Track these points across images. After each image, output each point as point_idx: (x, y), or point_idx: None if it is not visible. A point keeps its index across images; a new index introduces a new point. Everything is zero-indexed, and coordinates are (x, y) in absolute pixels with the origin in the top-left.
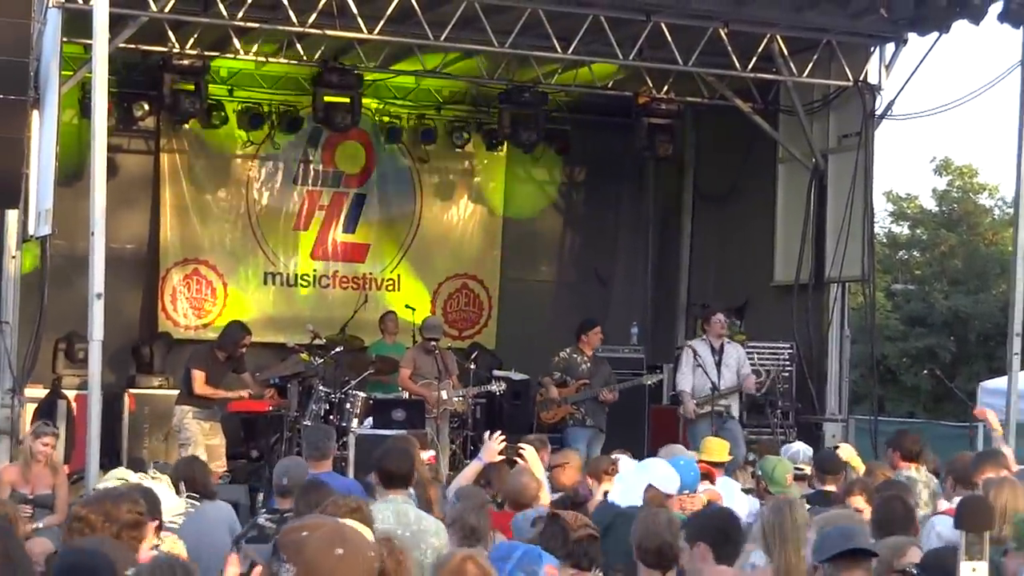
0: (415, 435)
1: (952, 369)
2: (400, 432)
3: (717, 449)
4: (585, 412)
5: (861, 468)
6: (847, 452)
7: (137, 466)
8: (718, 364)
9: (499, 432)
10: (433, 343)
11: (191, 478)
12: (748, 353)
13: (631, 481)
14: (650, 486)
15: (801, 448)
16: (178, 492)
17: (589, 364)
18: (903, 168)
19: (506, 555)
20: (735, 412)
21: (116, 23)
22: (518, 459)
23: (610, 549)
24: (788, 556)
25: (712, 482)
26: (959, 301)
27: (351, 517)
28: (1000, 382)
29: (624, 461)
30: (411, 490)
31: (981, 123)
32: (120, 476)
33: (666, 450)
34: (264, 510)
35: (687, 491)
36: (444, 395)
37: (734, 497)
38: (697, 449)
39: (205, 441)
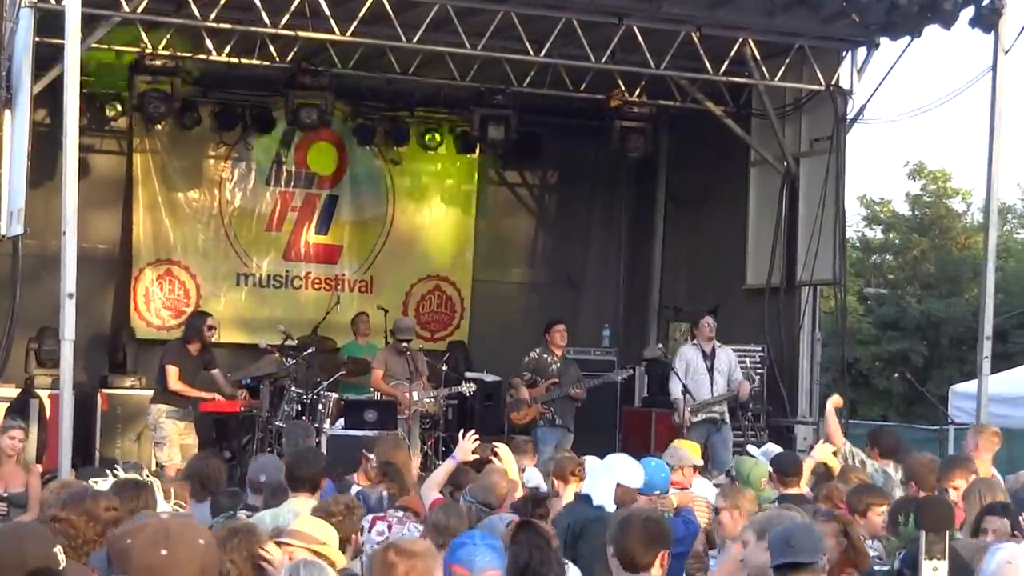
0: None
1: (924, 373)
2: (392, 433)
3: (688, 450)
4: (555, 412)
5: (836, 468)
6: (823, 453)
7: (110, 466)
8: (710, 370)
9: (472, 431)
10: (405, 344)
11: (206, 475)
12: None
13: (600, 482)
14: (618, 484)
15: (775, 450)
16: (167, 497)
17: (559, 364)
18: (877, 172)
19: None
20: (727, 418)
21: (89, 23)
22: (493, 459)
23: (584, 552)
24: None
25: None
26: (931, 305)
27: (330, 520)
28: (971, 385)
29: (590, 460)
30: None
31: (955, 128)
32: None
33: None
34: (242, 507)
35: (657, 492)
36: (415, 396)
37: (708, 497)
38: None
39: (180, 441)
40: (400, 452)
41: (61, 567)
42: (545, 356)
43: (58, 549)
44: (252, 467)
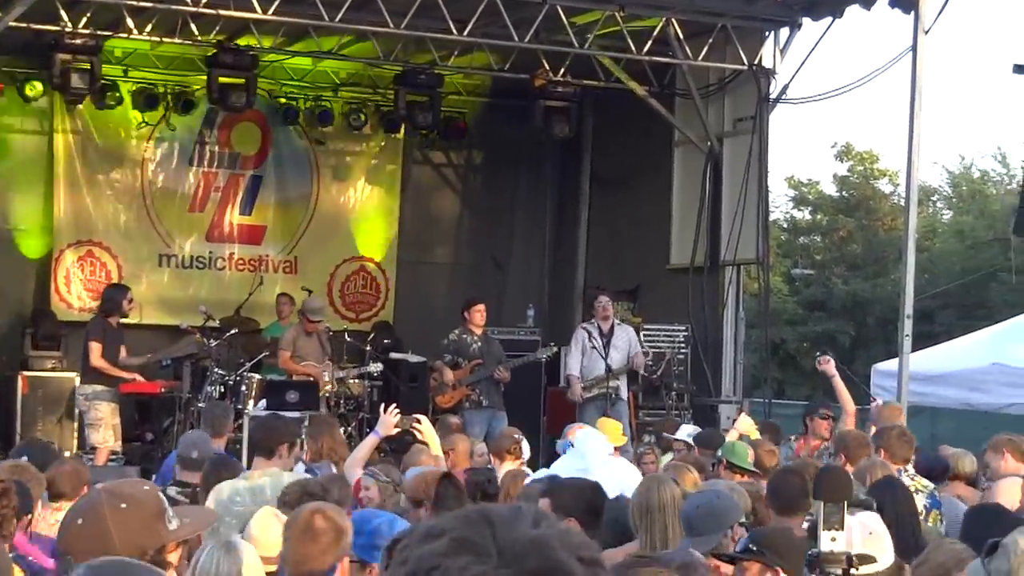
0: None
1: (851, 353)
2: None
3: (612, 431)
4: (481, 393)
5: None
6: (745, 424)
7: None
8: (606, 347)
9: (394, 405)
10: (314, 325)
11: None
12: (646, 335)
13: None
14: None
15: (690, 429)
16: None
17: (480, 343)
18: (806, 154)
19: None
20: (624, 394)
21: (7, 0)
22: (414, 431)
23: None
24: (654, 535)
25: None
26: (858, 286)
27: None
28: (893, 364)
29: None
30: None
31: (883, 110)
32: None
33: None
34: (172, 483)
35: None
36: (326, 376)
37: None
38: None
39: (112, 421)
40: (335, 430)
41: None
42: (465, 336)
43: None
44: (184, 442)
